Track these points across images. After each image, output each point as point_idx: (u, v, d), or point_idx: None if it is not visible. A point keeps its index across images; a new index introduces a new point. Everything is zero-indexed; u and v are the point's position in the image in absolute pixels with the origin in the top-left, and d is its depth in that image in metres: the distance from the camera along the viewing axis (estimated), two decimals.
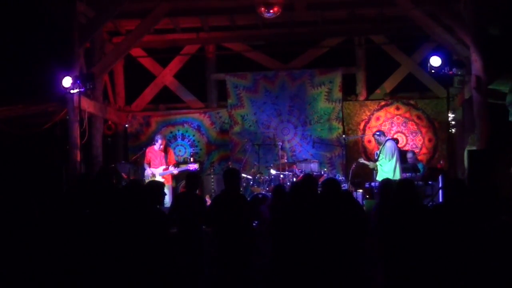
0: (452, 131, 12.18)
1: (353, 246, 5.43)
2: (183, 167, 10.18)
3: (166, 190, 9.56)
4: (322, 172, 10.61)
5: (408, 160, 10.67)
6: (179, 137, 12.94)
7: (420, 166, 10.83)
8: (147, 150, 10.36)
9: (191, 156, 12.17)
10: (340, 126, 12.56)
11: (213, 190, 11.35)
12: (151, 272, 5.11)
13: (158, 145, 10.14)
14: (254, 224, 7.24)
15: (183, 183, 9.90)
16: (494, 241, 5.23)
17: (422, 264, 5.31)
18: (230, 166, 11.40)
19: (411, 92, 12.98)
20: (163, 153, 10.14)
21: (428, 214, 5.54)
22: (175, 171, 10.00)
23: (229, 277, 5.67)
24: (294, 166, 10.96)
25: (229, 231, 5.73)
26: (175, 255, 5.41)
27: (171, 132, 12.91)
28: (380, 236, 5.63)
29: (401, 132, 12.57)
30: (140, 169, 10.94)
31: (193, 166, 10.06)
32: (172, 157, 10.37)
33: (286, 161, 11.05)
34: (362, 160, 10.62)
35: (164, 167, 9.95)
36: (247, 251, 5.76)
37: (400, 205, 5.55)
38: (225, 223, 5.76)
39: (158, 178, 9.84)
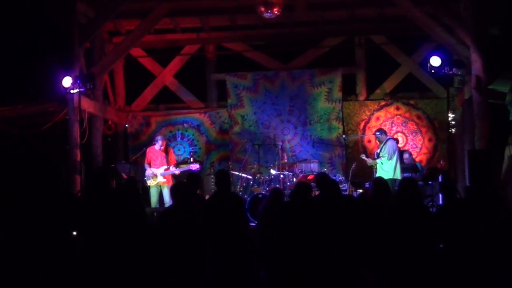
0: (452, 131, 12.18)
1: (351, 248, 5.43)
2: (185, 167, 10.16)
3: (166, 190, 9.71)
4: None
5: (405, 160, 10.67)
6: (178, 136, 12.94)
7: (418, 166, 10.84)
8: (148, 150, 10.35)
9: (190, 155, 12.16)
10: (340, 126, 12.56)
11: (213, 190, 11.35)
12: (152, 272, 5.11)
13: (158, 145, 10.13)
14: (253, 225, 7.25)
15: None
16: (494, 240, 5.23)
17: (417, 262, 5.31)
18: (230, 166, 11.39)
19: (411, 92, 12.97)
20: (163, 153, 10.13)
21: (430, 214, 5.55)
22: (177, 171, 9.99)
23: (227, 277, 5.66)
24: (294, 166, 10.95)
25: (224, 231, 5.73)
26: (175, 255, 5.40)
27: (170, 132, 12.91)
28: (376, 234, 5.60)
29: (401, 132, 12.57)
30: (140, 169, 10.93)
31: (195, 166, 10.05)
32: (173, 157, 10.36)
33: (286, 161, 11.05)
34: (363, 156, 10.62)
35: (165, 167, 9.95)
36: (243, 251, 5.75)
37: (402, 204, 5.54)
38: (220, 224, 5.76)
39: (160, 178, 9.85)
